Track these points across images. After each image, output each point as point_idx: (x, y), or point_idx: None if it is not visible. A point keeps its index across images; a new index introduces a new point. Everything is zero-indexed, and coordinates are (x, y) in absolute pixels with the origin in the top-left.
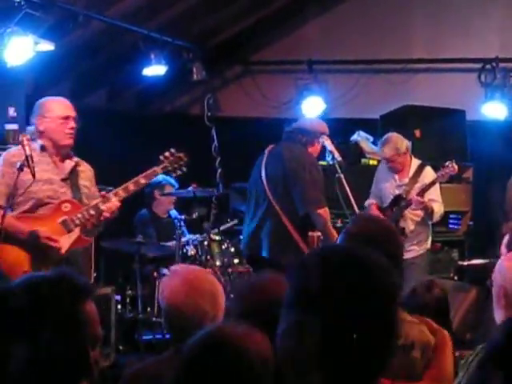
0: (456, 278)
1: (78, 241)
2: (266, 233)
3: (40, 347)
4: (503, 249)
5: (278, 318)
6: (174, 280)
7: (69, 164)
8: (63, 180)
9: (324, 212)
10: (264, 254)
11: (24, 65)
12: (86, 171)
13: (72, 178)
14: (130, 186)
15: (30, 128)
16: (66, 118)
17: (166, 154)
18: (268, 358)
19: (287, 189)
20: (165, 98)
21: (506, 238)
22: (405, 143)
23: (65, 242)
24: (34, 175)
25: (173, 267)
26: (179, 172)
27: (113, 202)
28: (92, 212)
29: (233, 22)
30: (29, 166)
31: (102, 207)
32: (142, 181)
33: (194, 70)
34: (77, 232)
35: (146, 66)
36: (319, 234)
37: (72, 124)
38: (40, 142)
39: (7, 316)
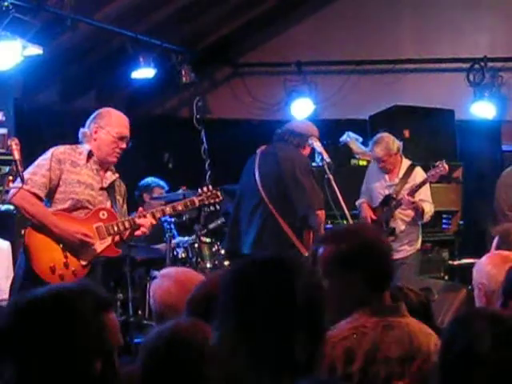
0: (446, 277)
1: (109, 250)
2: (265, 234)
3: (66, 356)
4: (494, 251)
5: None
6: (165, 282)
7: (110, 176)
8: (101, 189)
9: (322, 214)
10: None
11: (12, 69)
12: (121, 187)
13: (110, 190)
14: (167, 209)
15: (84, 130)
16: (122, 138)
17: (204, 188)
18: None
19: (282, 189)
20: (154, 100)
21: (495, 241)
22: (396, 144)
23: (96, 248)
24: (22, 179)
25: (162, 270)
26: (212, 208)
27: (148, 218)
28: (127, 225)
29: (221, 24)
30: (17, 171)
31: (138, 221)
32: (179, 207)
33: (183, 72)
34: (109, 241)
35: (134, 68)
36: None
37: (124, 145)
38: (88, 146)
39: (34, 326)
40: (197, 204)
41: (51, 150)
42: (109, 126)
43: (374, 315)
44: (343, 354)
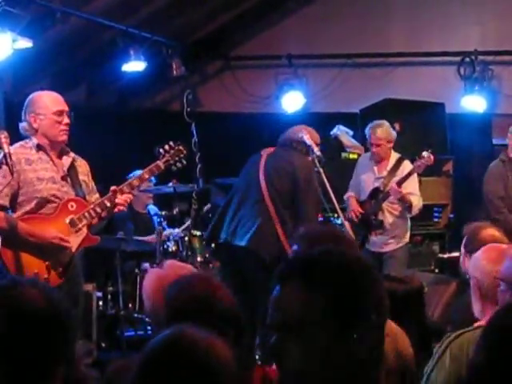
0: (437, 270)
1: (86, 240)
2: (253, 226)
3: None
4: (462, 249)
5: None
6: (147, 279)
7: (66, 160)
8: (63, 178)
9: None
10: (242, 243)
11: (2, 62)
12: (82, 166)
13: (71, 174)
14: (135, 181)
15: (23, 124)
16: (60, 113)
17: (166, 147)
18: (230, 362)
19: (290, 195)
20: (144, 94)
21: (464, 240)
22: (393, 133)
23: (74, 242)
24: (12, 173)
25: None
26: (179, 165)
27: (119, 197)
28: (98, 210)
29: (212, 17)
30: (7, 164)
31: (108, 204)
32: (146, 175)
33: (174, 65)
34: (84, 231)
35: (125, 62)
36: None
37: (66, 120)
38: (35, 140)
39: None
40: (162, 167)
41: (2, 154)
42: (43, 109)
43: None
44: None
